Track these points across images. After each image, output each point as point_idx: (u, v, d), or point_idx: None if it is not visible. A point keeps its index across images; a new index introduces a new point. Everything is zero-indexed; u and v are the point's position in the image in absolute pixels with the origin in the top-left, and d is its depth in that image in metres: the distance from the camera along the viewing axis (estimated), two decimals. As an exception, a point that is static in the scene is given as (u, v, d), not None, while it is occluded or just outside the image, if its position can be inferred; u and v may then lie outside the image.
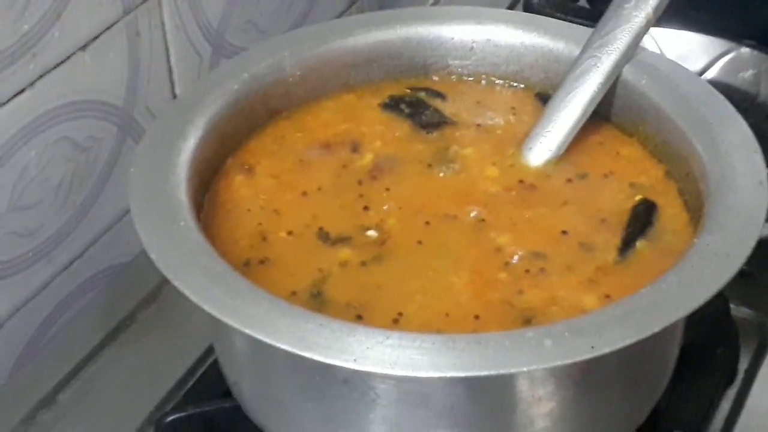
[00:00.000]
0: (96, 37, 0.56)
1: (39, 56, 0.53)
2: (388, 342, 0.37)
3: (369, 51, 0.51)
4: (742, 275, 0.57)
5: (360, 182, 0.47)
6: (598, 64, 0.48)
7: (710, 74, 0.64)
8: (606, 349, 0.36)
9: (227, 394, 0.47)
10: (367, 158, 0.48)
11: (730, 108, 0.46)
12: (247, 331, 0.38)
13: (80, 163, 0.58)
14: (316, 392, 0.41)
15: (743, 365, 0.53)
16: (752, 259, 0.52)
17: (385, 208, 0.45)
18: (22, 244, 0.56)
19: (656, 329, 0.37)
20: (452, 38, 0.52)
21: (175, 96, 0.63)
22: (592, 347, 0.36)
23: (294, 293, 0.42)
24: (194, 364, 0.53)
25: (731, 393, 0.51)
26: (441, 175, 0.48)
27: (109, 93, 0.59)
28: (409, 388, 0.40)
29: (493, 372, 0.36)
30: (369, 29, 0.51)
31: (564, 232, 0.45)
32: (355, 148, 0.49)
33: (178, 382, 0.52)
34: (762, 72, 0.64)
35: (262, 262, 0.44)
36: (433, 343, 0.37)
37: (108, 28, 0.57)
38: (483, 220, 0.45)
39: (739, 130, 0.45)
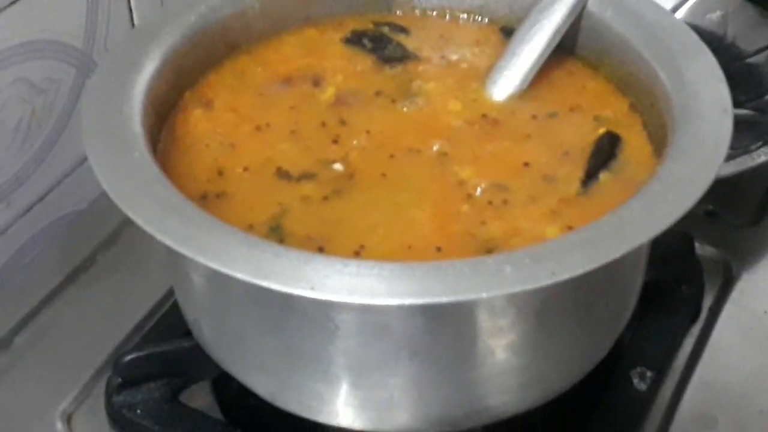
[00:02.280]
0: (52, -26, 0.55)
1: (-8, -7, 0.52)
2: (346, 270, 0.36)
3: (330, -16, 0.50)
4: (707, 215, 0.57)
5: (321, 116, 0.46)
6: (563, -1, 0.47)
7: (678, 15, 0.63)
8: (567, 275, 0.36)
9: (187, 334, 0.47)
10: (329, 92, 0.47)
11: (695, 38, 0.45)
12: (202, 260, 0.37)
13: (38, 106, 0.57)
14: (275, 325, 0.41)
15: (707, 303, 0.53)
16: (717, 199, 0.52)
17: (351, 141, 0.45)
18: (-21, 188, 0.55)
19: (617, 255, 0.37)
20: (416, -29, 0.51)
21: (135, 38, 0.62)
22: (553, 273, 0.36)
23: (251, 226, 0.42)
24: (154, 306, 0.52)
25: (695, 330, 0.52)
26: (404, 109, 0.47)
27: (67, 33, 0.57)
28: (369, 318, 0.39)
29: (452, 298, 0.35)
30: (330, -39, 0.50)
31: (526, 165, 0.44)
32: (317, 82, 0.48)
33: (138, 324, 0.51)
34: (729, 13, 0.63)
35: (218, 196, 0.43)
36: (391, 271, 0.36)
37: (64, -36, 0.55)
38: (446, 154, 0.45)
39: (704, 60, 0.44)
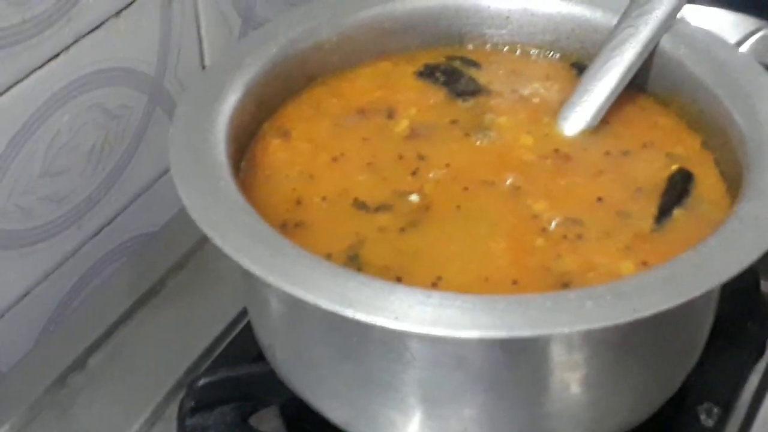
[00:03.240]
0: (130, 4, 0.56)
1: (74, 21, 0.53)
2: (429, 301, 0.37)
3: (406, 18, 0.51)
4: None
5: (396, 148, 0.47)
6: (636, 34, 0.48)
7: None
8: (648, 312, 0.36)
9: (260, 358, 0.48)
10: (403, 124, 0.48)
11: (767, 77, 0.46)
12: (288, 289, 0.38)
13: (111, 131, 0.58)
14: (351, 353, 0.41)
15: (773, 340, 0.53)
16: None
17: (426, 174, 0.45)
18: (53, 210, 0.56)
19: (698, 293, 0.37)
20: (488, 7, 0.51)
21: (204, 67, 0.64)
22: (634, 310, 0.36)
23: (330, 255, 0.42)
24: (225, 329, 0.53)
25: (760, 366, 0.52)
26: (477, 143, 0.47)
27: (140, 61, 0.59)
28: (446, 349, 0.40)
29: (535, 332, 0.36)
30: (406, -4, 0.51)
31: (600, 200, 0.45)
32: (391, 114, 0.49)
33: (209, 346, 0.52)
34: (793, 51, 0.63)
35: (297, 225, 0.44)
36: (474, 304, 0.37)
37: (142, -6, 0.57)
38: (519, 188, 0.45)
39: (777, 100, 0.45)
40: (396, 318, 0.37)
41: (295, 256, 0.39)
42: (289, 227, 0.44)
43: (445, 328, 0.36)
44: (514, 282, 0.41)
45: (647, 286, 0.37)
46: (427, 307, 0.37)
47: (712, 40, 0.48)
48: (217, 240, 0.39)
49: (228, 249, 0.39)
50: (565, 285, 0.41)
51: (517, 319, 0.36)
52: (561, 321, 0.36)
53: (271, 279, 0.38)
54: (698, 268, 0.38)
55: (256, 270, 0.38)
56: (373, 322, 0.37)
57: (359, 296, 0.37)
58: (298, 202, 0.45)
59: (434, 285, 0.41)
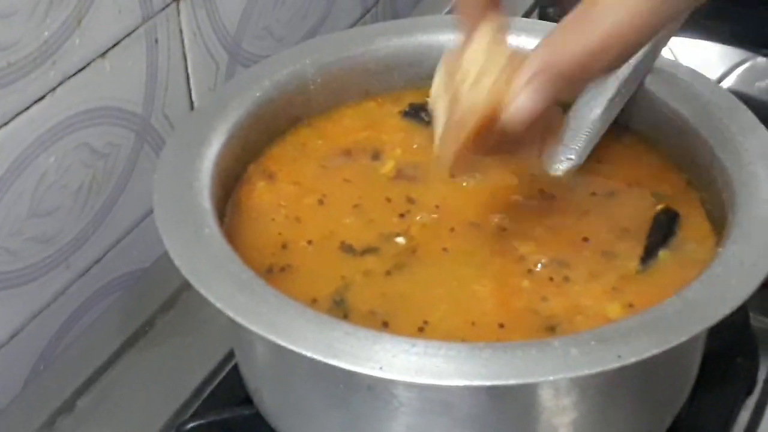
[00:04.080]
0: (116, 44, 0.56)
1: (59, 63, 0.53)
2: (414, 350, 0.37)
3: (390, 59, 0.51)
4: (761, 286, 0.57)
5: (382, 190, 0.47)
6: (618, 73, 0.48)
7: (726, 84, 0.64)
8: (633, 359, 0.36)
9: (247, 400, 0.47)
10: (389, 165, 0.48)
11: (751, 117, 0.46)
12: (273, 338, 0.38)
13: (98, 170, 0.58)
14: (339, 400, 0.41)
15: (762, 375, 0.53)
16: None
17: (413, 216, 0.46)
18: (41, 250, 0.56)
19: (683, 338, 0.37)
20: (473, 46, 0.52)
21: (192, 103, 0.64)
22: (619, 356, 0.36)
23: (315, 300, 0.42)
24: (213, 370, 0.53)
25: (750, 402, 0.51)
26: (463, 184, 0.48)
27: (127, 100, 0.59)
28: (433, 396, 0.40)
29: (520, 381, 0.36)
30: (389, 37, 0.51)
31: (586, 240, 0.45)
32: (376, 155, 0.49)
33: (197, 388, 0.52)
34: (779, 81, 0.64)
35: (283, 269, 0.44)
36: (458, 352, 0.37)
37: (128, 35, 0.57)
38: (505, 229, 0.45)
39: (761, 139, 0.45)
40: (381, 368, 0.37)
41: (280, 304, 0.39)
42: (275, 271, 0.44)
43: (430, 377, 0.36)
44: (501, 325, 0.41)
45: (632, 332, 0.37)
46: (412, 356, 0.37)
47: (694, 77, 0.48)
48: (202, 289, 0.39)
49: (212, 298, 0.39)
50: (552, 328, 0.41)
51: (502, 367, 0.36)
52: (546, 369, 0.36)
53: (256, 328, 0.38)
54: (683, 313, 0.38)
55: (241, 319, 0.38)
56: (358, 371, 0.37)
57: (344, 346, 0.37)
58: (284, 246, 0.45)
59: (421, 330, 0.41)
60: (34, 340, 0.57)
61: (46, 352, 0.57)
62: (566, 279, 0.43)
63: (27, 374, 0.56)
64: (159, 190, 0.43)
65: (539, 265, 0.44)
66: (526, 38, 0.50)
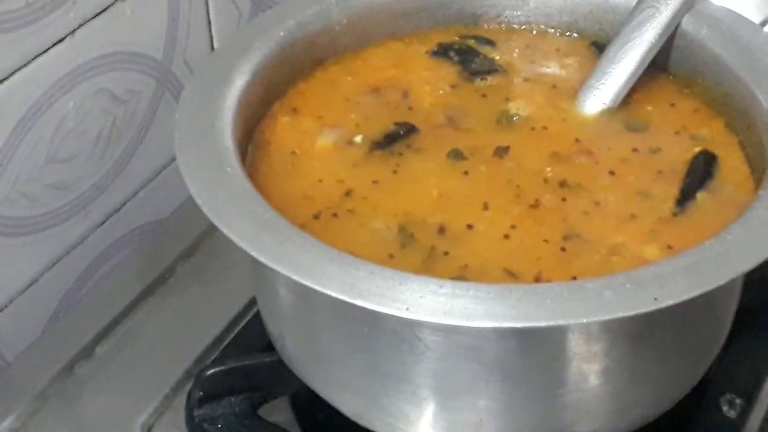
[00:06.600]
0: (136, -13, 0.55)
1: (79, 5, 0.52)
2: (442, 291, 0.36)
3: (418, 0, 0.50)
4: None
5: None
6: (656, 15, 0.46)
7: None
8: (669, 302, 0.35)
9: (269, 348, 0.47)
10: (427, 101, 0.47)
11: (794, 59, 0.44)
12: (296, 277, 0.36)
13: (118, 116, 0.57)
14: (363, 343, 0.40)
15: (797, 329, 0.51)
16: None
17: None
18: (59, 197, 0.55)
19: (722, 282, 0.36)
20: (504, -14, 0.50)
21: (213, 50, 0.62)
22: (655, 299, 0.35)
23: None
24: (234, 318, 0.52)
25: (785, 357, 0.50)
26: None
27: (148, 45, 0.58)
28: (460, 339, 0.39)
29: (551, 323, 0.35)
30: (418, -22, 0.50)
31: (619, 179, 0.43)
32: (405, 94, 0.48)
33: (218, 336, 0.51)
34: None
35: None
36: (488, 293, 0.36)
37: (148, -24, 0.56)
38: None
39: (804, 81, 0.43)
40: (408, 308, 0.35)
41: (304, 243, 0.38)
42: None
43: (458, 318, 0.35)
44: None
45: (669, 275, 0.36)
46: (440, 296, 0.36)
47: (735, 20, 0.47)
48: (224, 228, 0.38)
49: (235, 237, 0.38)
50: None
51: (533, 308, 0.35)
52: (578, 311, 0.35)
53: (279, 267, 0.37)
54: (721, 256, 0.37)
55: (264, 258, 0.37)
56: (384, 312, 0.36)
57: (369, 285, 0.36)
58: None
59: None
60: (53, 288, 0.56)
61: (65, 300, 0.57)
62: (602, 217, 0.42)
63: (46, 321, 0.56)
64: (180, 130, 0.42)
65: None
66: None
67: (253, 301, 0.52)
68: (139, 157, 0.60)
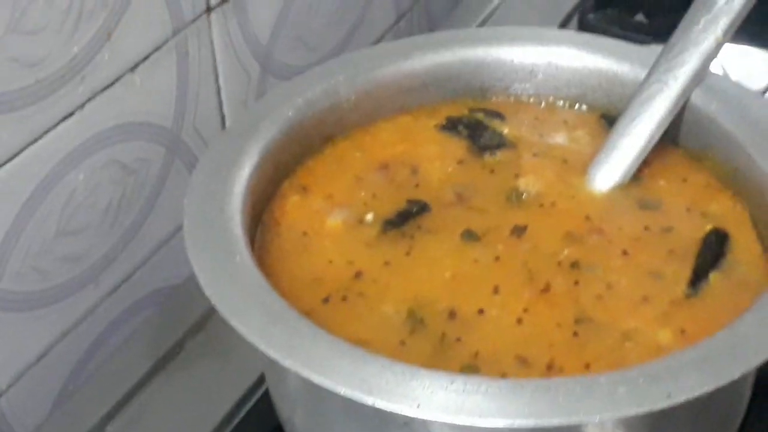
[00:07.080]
0: (146, 58, 0.55)
1: (88, 78, 0.52)
2: (453, 387, 0.36)
3: (425, 74, 0.50)
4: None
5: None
6: (665, 89, 0.46)
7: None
8: (683, 397, 0.35)
9: (278, 428, 0.46)
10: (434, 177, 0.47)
11: (805, 135, 0.44)
12: (306, 374, 0.36)
13: (128, 186, 0.57)
14: (374, 434, 0.40)
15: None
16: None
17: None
18: (70, 269, 0.55)
19: (736, 376, 0.35)
20: (512, 60, 0.50)
21: (223, 116, 0.62)
22: (669, 395, 0.35)
23: None
24: (244, 395, 0.51)
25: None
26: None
27: (157, 114, 0.58)
28: (472, 433, 0.38)
29: (563, 421, 0.34)
30: (425, 52, 0.50)
31: (631, 259, 0.43)
32: (414, 170, 0.48)
33: (228, 413, 0.51)
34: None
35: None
36: (500, 389, 0.35)
37: (157, 48, 0.56)
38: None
39: (816, 159, 0.43)
40: (419, 406, 0.35)
41: (314, 336, 0.38)
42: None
43: (470, 416, 0.35)
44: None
45: (682, 368, 0.36)
46: (451, 393, 0.35)
47: (745, 94, 0.46)
48: (234, 321, 0.38)
49: (245, 331, 0.38)
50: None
51: (546, 406, 0.35)
52: (591, 407, 0.35)
53: (289, 363, 0.37)
54: (735, 347, 0.36)
55: (274, 353, 0.37)
56: (394, 411, 0.35)
57: (380, 382, 0.36)
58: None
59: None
60: (63, 360, 0.56)
61: (74, 374, 0.56)
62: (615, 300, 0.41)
63: (56, 396, 0.55)
64: (190, 216, 0.42)
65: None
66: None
67: (263, 377, 0.52)
68: (148, 225, 0.59)
